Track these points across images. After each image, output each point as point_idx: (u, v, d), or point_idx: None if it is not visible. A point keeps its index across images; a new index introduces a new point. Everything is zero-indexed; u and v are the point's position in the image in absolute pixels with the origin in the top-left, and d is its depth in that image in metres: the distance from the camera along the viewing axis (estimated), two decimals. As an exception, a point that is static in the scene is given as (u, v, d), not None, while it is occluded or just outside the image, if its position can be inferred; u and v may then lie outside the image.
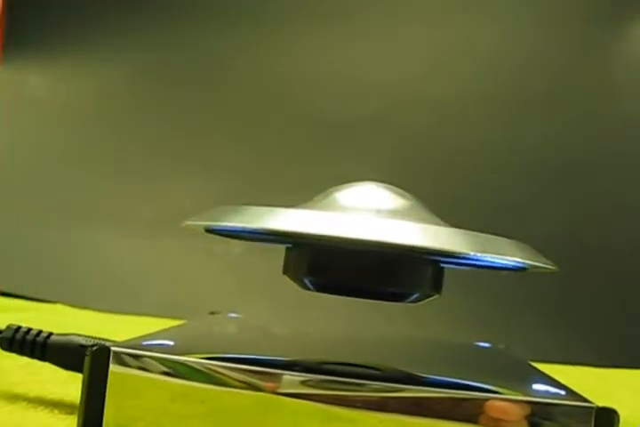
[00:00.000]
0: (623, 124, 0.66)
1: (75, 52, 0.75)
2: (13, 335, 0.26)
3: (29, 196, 0.70)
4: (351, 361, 0.25)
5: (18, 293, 0.61)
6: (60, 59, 0.75)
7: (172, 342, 0.26)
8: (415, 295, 0.26)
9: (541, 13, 0.70)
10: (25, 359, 0.26)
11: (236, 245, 0.63)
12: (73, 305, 0.60)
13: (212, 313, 0.38)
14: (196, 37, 0.73)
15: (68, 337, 0.25)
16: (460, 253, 0.22)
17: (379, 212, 0.24)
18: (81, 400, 0.22)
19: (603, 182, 0.65)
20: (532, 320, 0.60)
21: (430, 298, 0.26)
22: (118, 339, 0.25)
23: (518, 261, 0.24)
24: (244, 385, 0.22)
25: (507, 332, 0.57)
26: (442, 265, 0.26)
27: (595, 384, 0.45)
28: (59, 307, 0.60)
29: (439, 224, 0.24)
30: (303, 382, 0.21)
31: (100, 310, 0.59)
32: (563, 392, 0.24)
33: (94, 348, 0.22)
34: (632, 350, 0.58)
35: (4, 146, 0.73)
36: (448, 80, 0.69)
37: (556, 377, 0.27)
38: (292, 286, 0.27)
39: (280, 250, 0.27)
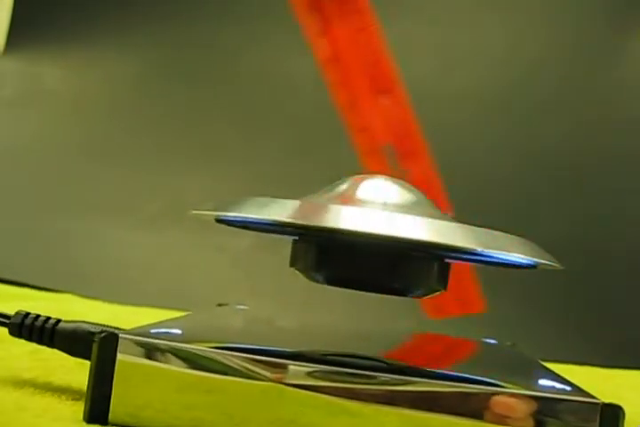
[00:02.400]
0: (634, 125, 0.66)
1: (87, 44, 0.75)
2: (22, 321, 0.26)
3: (40, 187, 0.71)
4: (358, 354, 0.25)
5: (27, 282, 0.61)
6: (73, 51, 0.75)
7: (179, 331, 0.26)
8: (421, 290, 0.26)
9: (554, 13, 0.69)
10: (33, 346, 0.27)
11: (244, 238, 0.63)
12: (82, 295, 0.60)
13: (220, 305, 0.38)
14: (206, 33, 0.73)
15: (77, 324, 0.26)
16: (466, 249, 0.22)
17: (386, 205, 0.24)
18: (88, 387, 0.22)
19: (612, 183, 0.65)
20: (539, 319, 0.60)
21: (436, 293, 0.26)
22: (126, 328, 0.25)
23: (524, 258, 0.24)
24: (251, 375, 0.22)
25: (513, 330, 0.57)
26: (448, 260, 0.26)
27: (600, 384, 0.45)
28: (68, 297, 0.60)
29: (446, 219, 0.24)
30: (310, 373, 0.22)
31: (108, 301, 0.59)
32: (568, 388, 0.24)
33: (102, 334, 0.22)
34: (638, 351, 0.58)
35: (16, 137, 0.74)
36: (458, 79, 0.69)
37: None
38: (299, 280, 0.27)
39: (287, 243, 0.27)
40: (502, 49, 0.70)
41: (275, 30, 0.71)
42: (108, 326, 0.25)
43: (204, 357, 0.22)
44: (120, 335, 0.22)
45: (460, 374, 0.23)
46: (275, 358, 0.22)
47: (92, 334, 0.24)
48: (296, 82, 0.71)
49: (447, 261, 0.26)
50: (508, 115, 0.68)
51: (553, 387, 0.24)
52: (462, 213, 0.26)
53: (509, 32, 0.70)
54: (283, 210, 0.23)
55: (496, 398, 0.21)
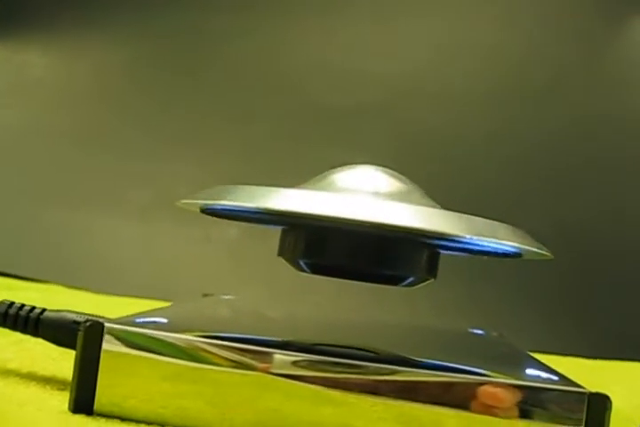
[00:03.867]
0: (624, 120, 0.66)
1: (74, 33, 0.74)
2: (6, 311, 0.26)
3: (26, 177, 0.70)
4: (345, 343, 0.25)
5: (12, 272, 0.61)
6: (60, 40, 0.75)
7: (165, 320, 0.26)
8: (410, 279, 0.26)
9: (544, 8, 0.69)
10: (17, 335, 0.26)
11: (232, 229, 0.63)
12: (67, 286, 0.60)
13: (206, 295, 0.38)
14: (194, 21, 0.72)
15: (62, 313, 0.25)
16: (456, 236, 0.22)
17: (376, 194, 0.24)
18: (73, 376, 0.22)
19: (603, 177, 0.65)
20: (527, 309, 0.60)
21: (425, 282, 0.26)
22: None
23: (514, 246, 0.23)
24: (236, 364, 0.21)
25: (500, 320, 0.57)
26: (438, 250, 0.26)
27: (587, 376, 0.45)
28: (53, 287, 0.60)
29: (436, 208, 0.24)
30: (296, 363, 0.21)
31: (94, 292, 0.59)
32: (555, 378, 0.24)
33: (88, 324, 0.22)
34: (625, 343, 0.58)
35: (1, 126, 0.73)
36: (448, 72, 0.69)
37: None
38: (287, 270, 0.27)
39: (275, 234, 0.27)
40: (495, 44, 0.69)
41: (263, 19, 0.71)
42: (93, 316, 0.25)
43: (190, 346, 0.22)
44: (105, 324, 0.22)
45: (447, 364, 0.23)
46: (260, 347, 0.22)
47: (78, 323, 0.24)
48: (285, 70, 0.70)
49: (437, 250, 0.26)
50: (502, 110, 0.68)
51: (539, 376, 0.24)
52: (453, 205, 0.25)
53: (498, 26, 0.70)
54: (272, 198, 0.23)
55: (482, 387, 0.21)
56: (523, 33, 0.69)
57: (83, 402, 0.22)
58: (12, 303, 0.26)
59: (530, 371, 0.26)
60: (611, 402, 0.21)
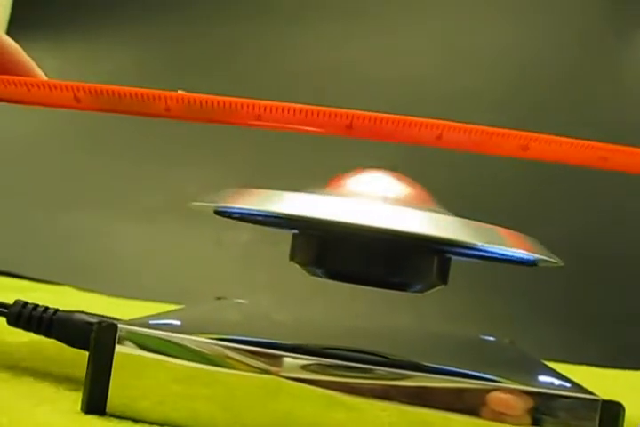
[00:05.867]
0: (631, 127, 0.66)
1: (85, 36, 0.75)
2: (20, 311, 0.26)
3: (38, 180, 0.71)
4: (356, 348, 0.25)
5: (25, 274, 0.61)
6: (70, 43, 0.75)
7: (178, 323, 0.26)
8: (421, 285, 0.26)
9: (552, 13, 0.69)
10: (31, 336, 0.27)
11: (243, 232, 0.63)
12: (80, 288, 0.60)
13: (219, 298, 0.38)
14: (205, 26, 0.73)
15: (75, 314, 0.26)
16: (467, 244, 0.22)
17: (387, 199, 0.24)
18: (86, 377, 0.22)
19: (610, 183, 0.65)
20: (538, 317, 0.60)
21: (436, 288, 0.26)
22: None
23: (525, 254, 0.23)
24: (249, 367, 0.22)
25: (511, 327, 0.57)
26: (449, 256, 0.26)
27: (598, 384, 0.44)
28: (66, 289, 0.60)
29: (447, 214, 0.24)
30: (308, 367, 0.21)
31: (106, 294, 0.59)
32: (568, 385, 0.24)
33: (101, 325, 0.22)
34: (637, 352, 0.58)
35: (12, 129, 0.73)
36: (456, 77, 0.69)
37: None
38: (299, 274, 0.27)
39: (287, 237, 0.27)
40: (503, 49, 0.69)
41: (275, 24, 0.71)
42: (106, 317, 0.25)
43: (202, 348, 0.22)
44: (119, 326, 0.22)
45: (458, 370, 0.23)
46: (273, 350, 0.22)
47: (91, 324, 0.24)
48: (297, 74, 0.71)
49: (447, 256, 0.26)
50: (508, 115, 0.68)
51: (552, 383, 0.24)
52: (463, 212, 0.25)
53: (507, 31, 0.70)
54: (283, 202, 0.23)
55: (493, 393, 0.21)
56: (531, 40, 0.69)
57: (95, 403, 0.22)
58: (26, 304, 0.26)
59: (542, 378, 0.26)
60: (624, 410, 0.21)
